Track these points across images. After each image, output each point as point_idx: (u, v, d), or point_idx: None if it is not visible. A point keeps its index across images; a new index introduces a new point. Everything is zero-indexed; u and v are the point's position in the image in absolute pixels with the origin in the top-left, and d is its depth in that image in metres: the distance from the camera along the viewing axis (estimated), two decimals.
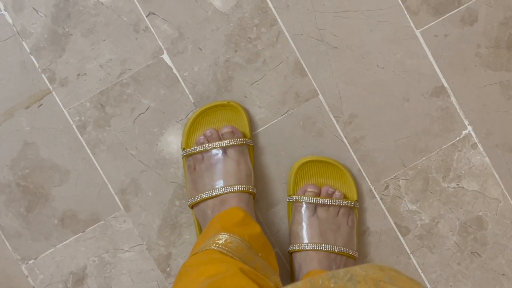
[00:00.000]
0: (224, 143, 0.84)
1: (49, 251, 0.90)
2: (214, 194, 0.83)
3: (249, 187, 0.84)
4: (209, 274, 0.68)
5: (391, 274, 0.49)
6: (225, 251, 0.73)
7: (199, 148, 0.85)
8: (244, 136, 0.87)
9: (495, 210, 0.92)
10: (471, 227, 0.92)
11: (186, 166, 0.87)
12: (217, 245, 0.74)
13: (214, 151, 0.85)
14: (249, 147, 0.88)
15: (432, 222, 0.92)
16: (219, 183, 0.83)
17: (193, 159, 0.86)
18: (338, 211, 0.87)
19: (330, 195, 0.87)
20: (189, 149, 0.86)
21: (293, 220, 0.88)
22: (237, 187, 0.83)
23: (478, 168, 0.92)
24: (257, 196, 0.89)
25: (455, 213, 0.92)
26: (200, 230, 0.88)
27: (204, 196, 0.83)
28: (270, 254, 0.81)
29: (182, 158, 0.88)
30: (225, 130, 0.85)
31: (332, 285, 0.48)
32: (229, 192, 0.83)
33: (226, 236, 0.75)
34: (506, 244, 0.92)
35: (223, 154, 0.85)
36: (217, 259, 0.72)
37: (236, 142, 0.85)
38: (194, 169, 0.86)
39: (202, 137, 0.86)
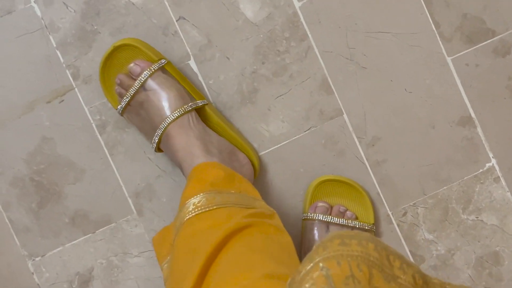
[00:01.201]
0: (136, 83, 0.80)
1: (57, 249, 0.88)
2: (155, 141, 0.80)
3: (182, 109, 0.79)
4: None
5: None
6: (200, 212, 0.69)
7: (122, 104, 0.82)
8: (152, 61, 0.82)
9: None
10: (487, 261, 0.90)
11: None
12: (190, 213, 0.70)
13: (136, 96, 0.81)
14: (167, 70, 0.83)
15: (448, 253, 0.90)
16: (155, 123, 0.80)
17: (127, 113, 0.84)
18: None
19: (342, 214, 0.85)
20: (117, 107, 0.84)
21: (304, 239, 0.86)
22: (168, 118, 0.79)
23: (499, 203, 0.90)
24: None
25: (472, 246, 0.90)
26: None
27: (153, 147, 0.81)
28: (242, 181, 0.76)
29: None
30: (131, 67, 0.82)
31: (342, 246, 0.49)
32: (166, 128, 0.79)
33: (190, 203, 0.71)
34: None
35: (144, 93, 0.81)
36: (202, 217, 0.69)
37: (145, 75, 0.80)
38: (132, 122, 0.84)
39: (117, 87, 0.84)
